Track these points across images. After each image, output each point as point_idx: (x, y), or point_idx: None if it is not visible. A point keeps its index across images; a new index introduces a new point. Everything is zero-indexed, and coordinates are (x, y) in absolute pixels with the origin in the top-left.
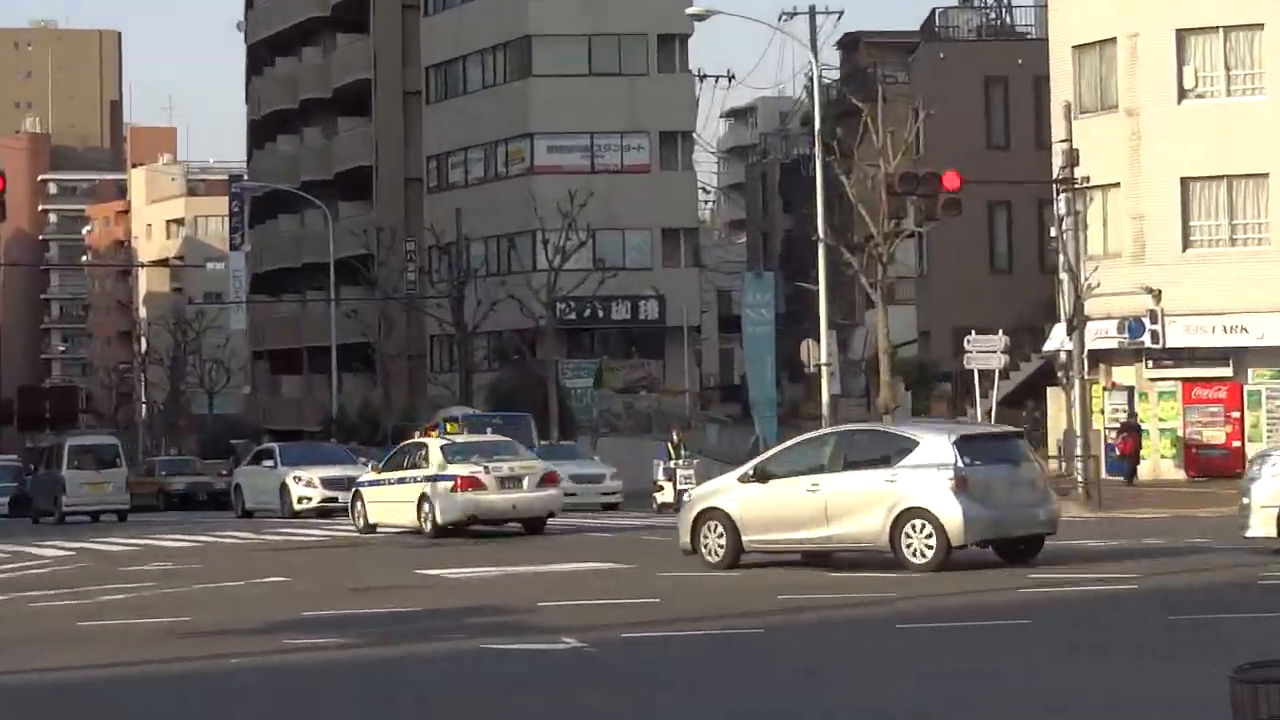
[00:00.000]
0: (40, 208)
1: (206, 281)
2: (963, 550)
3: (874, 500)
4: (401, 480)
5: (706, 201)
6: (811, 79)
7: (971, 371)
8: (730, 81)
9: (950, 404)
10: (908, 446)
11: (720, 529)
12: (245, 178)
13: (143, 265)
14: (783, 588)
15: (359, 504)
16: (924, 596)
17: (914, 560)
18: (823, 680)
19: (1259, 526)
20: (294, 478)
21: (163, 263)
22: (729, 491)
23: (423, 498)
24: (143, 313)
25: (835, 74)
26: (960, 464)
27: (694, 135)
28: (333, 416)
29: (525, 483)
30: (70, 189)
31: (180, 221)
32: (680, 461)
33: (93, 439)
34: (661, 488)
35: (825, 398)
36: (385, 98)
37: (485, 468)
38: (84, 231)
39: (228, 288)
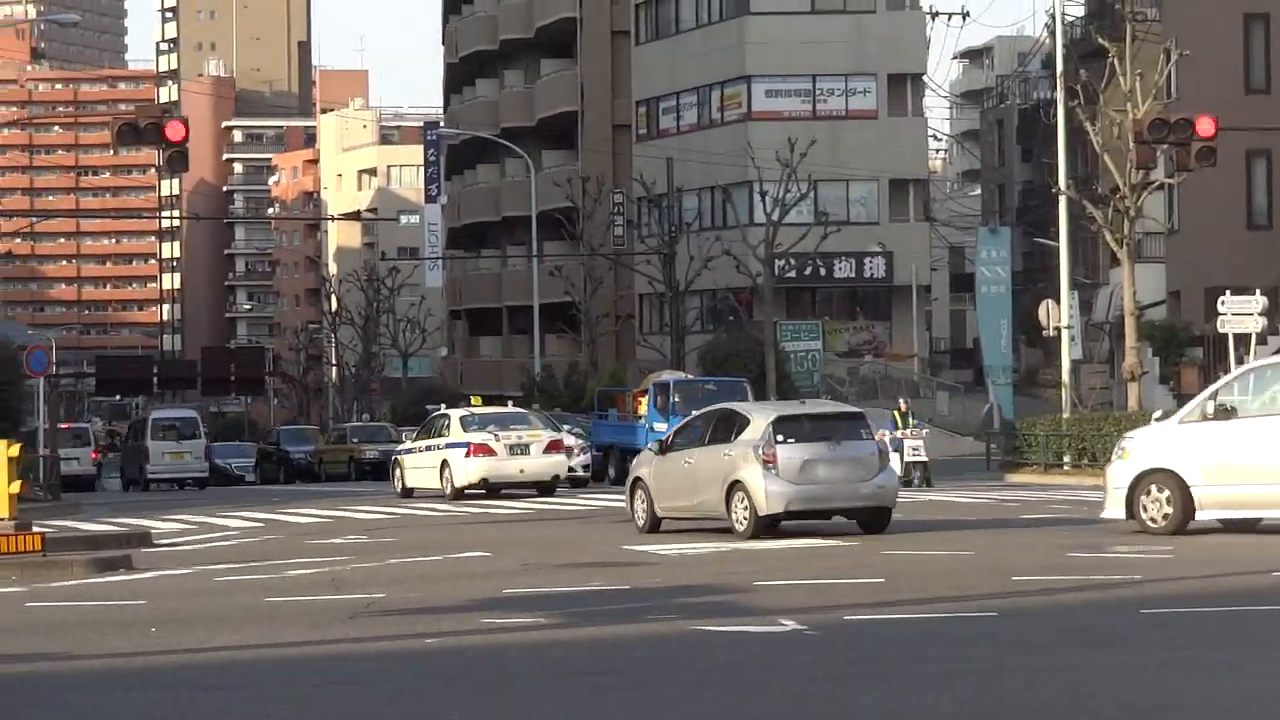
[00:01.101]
0: (225, 157)
1: (400, 236)
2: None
3: (716, 473)
4: (429, 448)
5: (938, 150)
6: (1054, 17)
7: (1225, 335)
8: (964, 19)
9: (1202, 370)
10: (744, 425)
11: (641, 495)
12: (441, 124)
13: (332, 218)
14: (1018, 569)
15: (398, 470)
16: (1174, 579)
17: (738, 527)
18: (1065, 669)
19: (1111, 508)
20: None
21: (354, 215)
22: (646, 463)
23: (444, 463)
24: (333, 269)
25: (1080, 11)
26: (772, 442)
27: (924, 78)
28: (535, 380)
29: (532, 449)
30: (256, 136)
31: (372, 171)
32: (908, 431)
33: (175, 413)
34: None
35: (1065, 363)
36: (591, 38)
37: (496, 436)
38: (270, 182)
39: (423, 242)
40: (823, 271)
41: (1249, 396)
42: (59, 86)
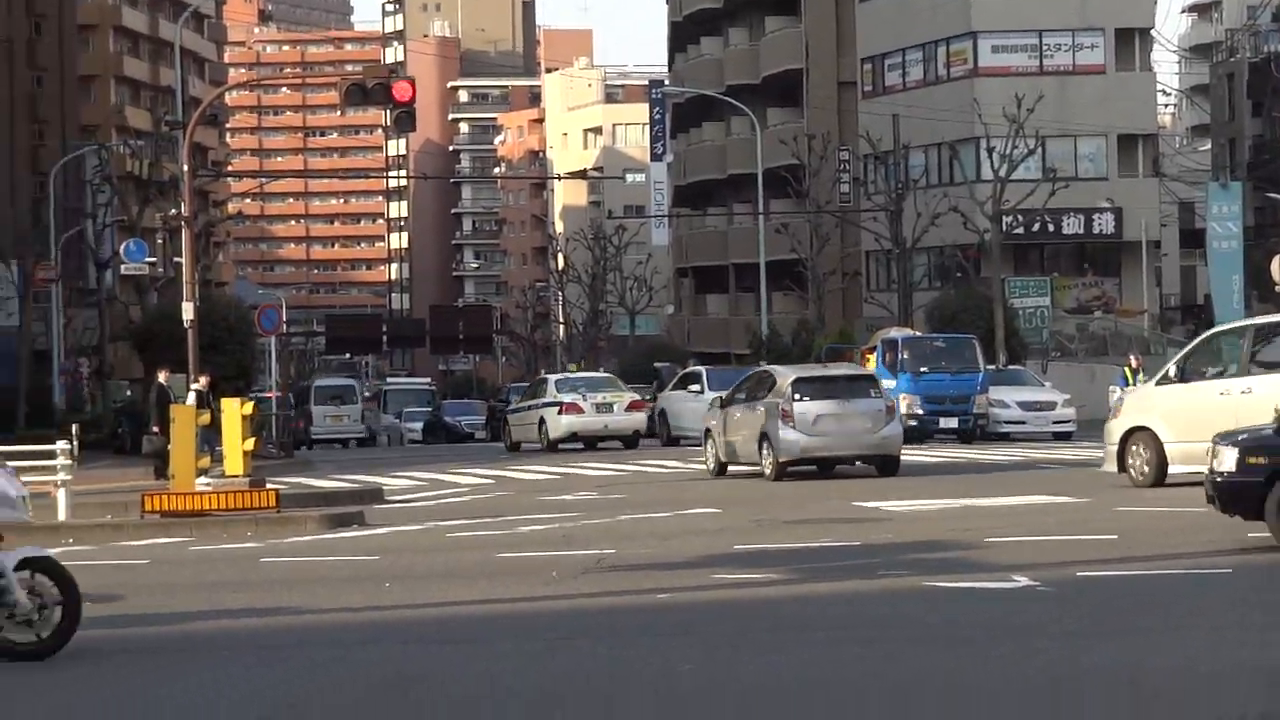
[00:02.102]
0: (450, 117)
1: (626, 194)
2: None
3: (751, 425)
4: (530, 407)
5: (1167, 105)
6: None
7: None
8: None
9: None
10: (774, 384)
11: (711, 444)
12: (666, 83)
13: (558, 177)
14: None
15: (507, 426)
16: None
17: (765, 472)
18: None
19: (1108, 464)
20: None
21: (579, 174)
22: (714, 417)
23: (541, 420)
24: (559, 227)
25: None
26: (791, 399)
27: (1153, 32)
28: (762, 338)
29: (615, 408)
30: (481, 96)
31: (597, 130)
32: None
33: (336, 381)
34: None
35: None
36: None
37: (584, 396)
38: (496, 141)
39: (648, 200)
40: (1051, 228)
41: (1211, 359)
42: (286, 48)
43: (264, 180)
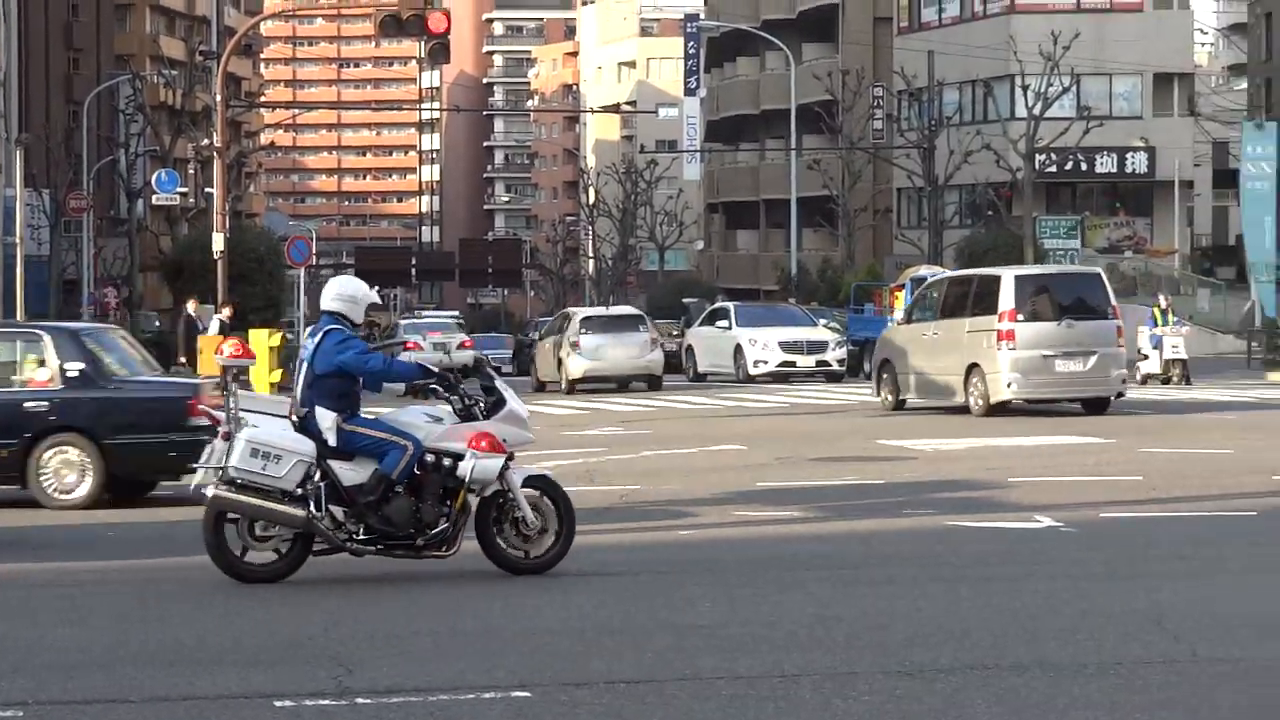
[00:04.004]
0: (485, 49)
1: (659, 129)
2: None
3: (553, 352)
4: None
5: (1203, 43)
6: None
7: None
8: None
9: None
10: (569, 321)
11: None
12: (701, 17)
13: (591, 111)
14: (1278, 466)
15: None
16: None
17: (561, 386)
18: None
19: (874, 392)
20: (750, 340)
21: (613, 108)
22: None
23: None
24: (591, 161)
25: None
26: (579, 333)
27: None
28: (791, 275)
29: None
30: (517, 29)
31: (631, 64)
32: (1168, 329)
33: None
34: (1146, 356)
35: None
36: None
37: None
38: (530, 75)
39: (681, 136)
40: (1084, 167)
41: (927, 306)
42: None
43: (297, 111)
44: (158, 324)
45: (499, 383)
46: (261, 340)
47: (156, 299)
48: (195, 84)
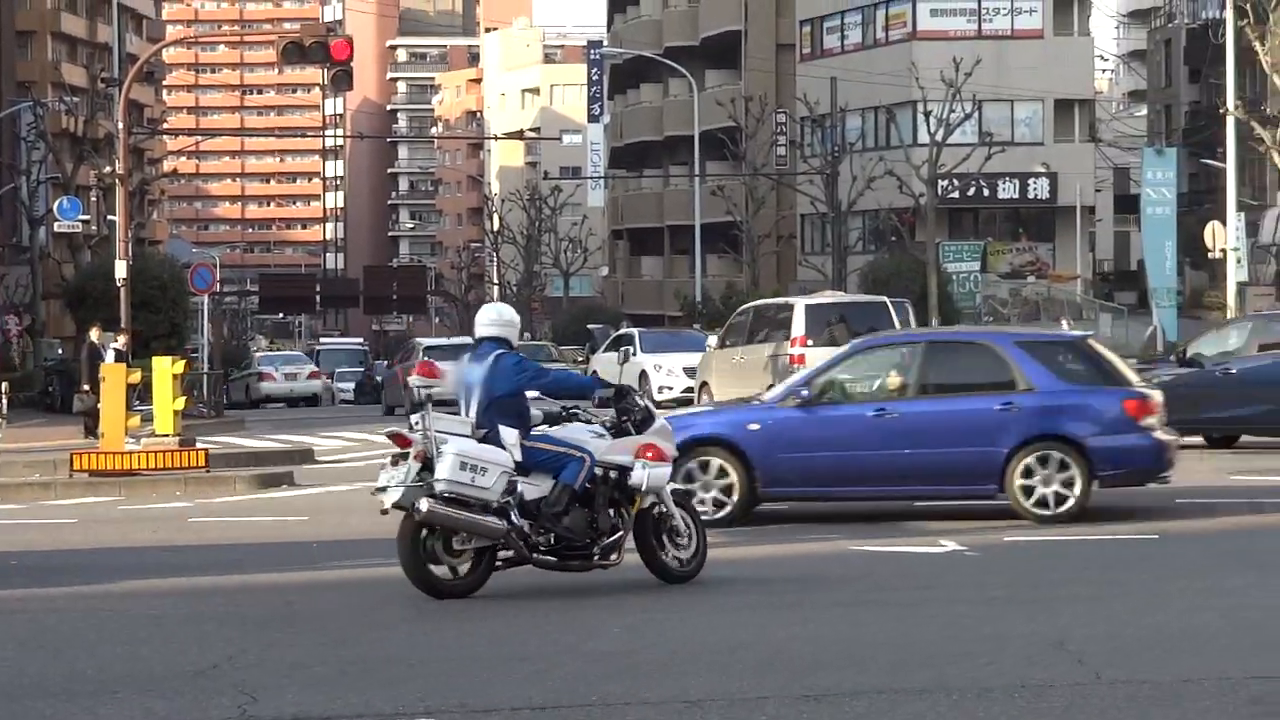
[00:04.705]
0: (389, 76)
1: (563, 155)
2: None
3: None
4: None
5: (1104, 70)
6: None
7: None
8: None
9: None
10: (413, 349)
11: None
12: (604, 43)
13: (495, 137)
14: (1180, 492)
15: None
16: None
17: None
18: (1226, 592)
19: None
20: (655, 366)
21: (517, 135)
22: None
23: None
24: (495, 188)
25: None
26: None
27: None
28: (696, 301)
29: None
30: (420, 55)
31: (535, 91)
32: None
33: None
34: None
35: (1230, 286)
36: None
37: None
38: (434, 101)
39: (585, 162)
40: (986, 192)
41: (737, 331)
42: (225, 5)
43: (200, 138)
44: (60, 352)
45: (645, 400)
46: (164, 368)
47: (60, 327)
48: (97, 111)
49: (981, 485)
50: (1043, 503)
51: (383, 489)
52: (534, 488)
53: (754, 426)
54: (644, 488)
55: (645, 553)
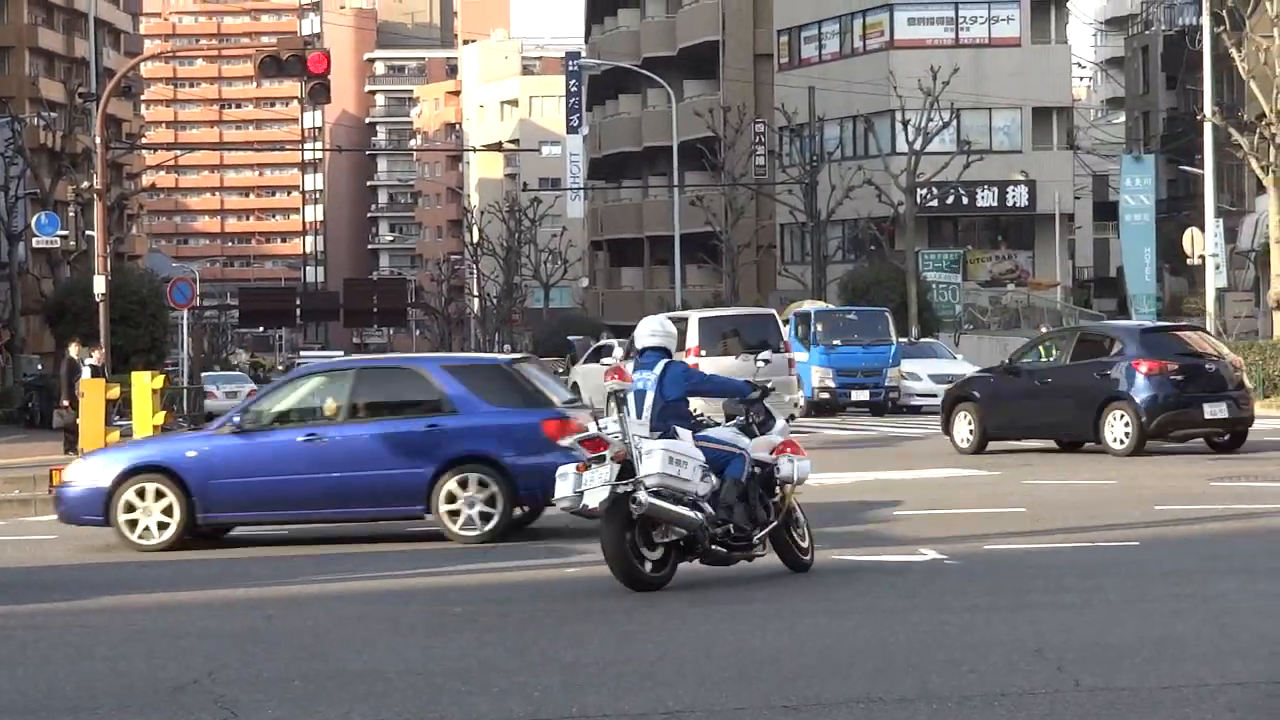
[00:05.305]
0: (367, 89)
1: (542, 167)
2: None
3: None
4: None
5: (1082, 77)
6: None
7: None
8: None
9: None
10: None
11: None
12: (583, 55)
13: (474, 150)
14: (1161, 498)
15: None
16: None
17: None
18: (1209, 598)
19: None
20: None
21: (495, 147)
22: None
23: None
24: (474, 200)
25: None
26: None
27: (1069, 4)
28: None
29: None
30: (398, 68)
31: (514, 103)
32: None
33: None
34: None
35: (1210, 292)
36: None
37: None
38: (412, 114)
39: (564, 173)
40: (965, 200)
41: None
42: (202, 19)
43: (179, 153)
44: (40, 368)
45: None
46: (143, 383)
47: (39, 342)
48: (75, 126)
49: (409, 507)
50: (469, 523)
51: (577, 493)
52: (706, 484)
53: (191, 454)
54: (795, 479)
55: (776, 544)
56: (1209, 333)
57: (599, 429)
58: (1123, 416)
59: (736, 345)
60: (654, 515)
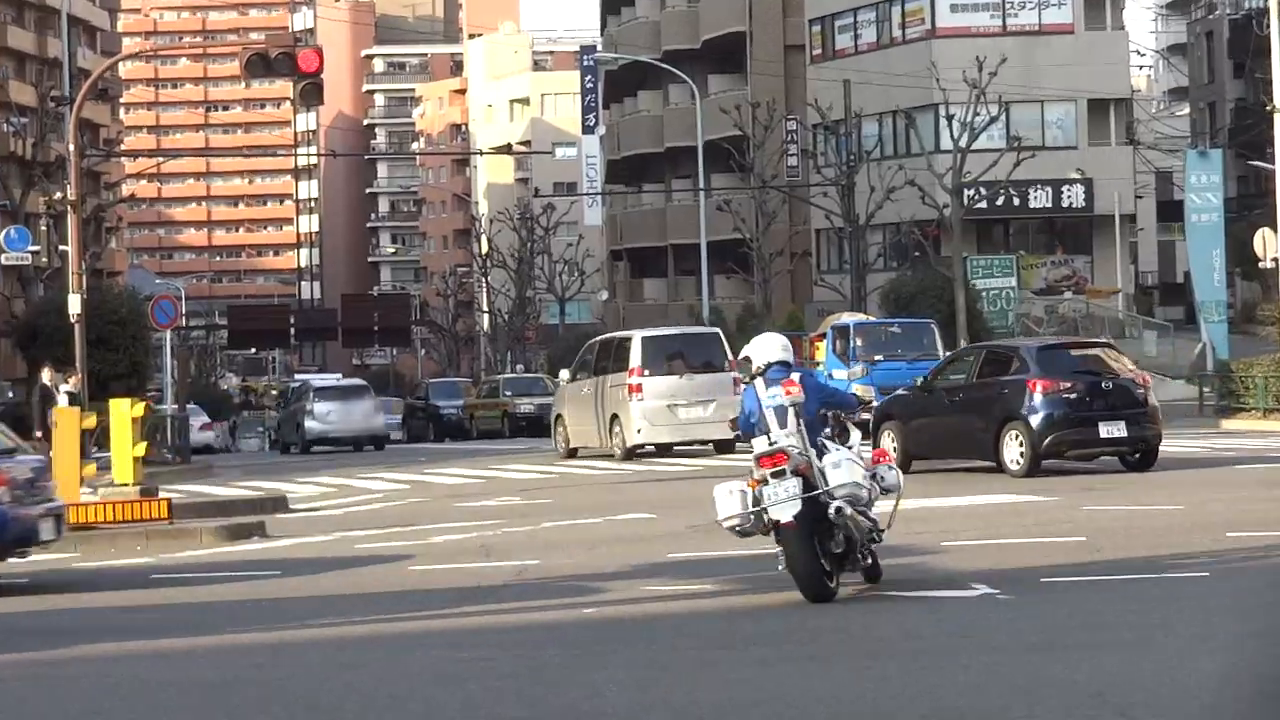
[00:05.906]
0: (365, 88)
1: (556, 170)
2: None
3: (292, 417)
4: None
5: (1141, 66)
6: None
7: None
8: None
9: None
10: (304, 391)
11: None
12: (598, 48)
13: (482, 152)
14: (1233, 525)
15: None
16: None
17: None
18: None
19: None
20: None
21: (505, 149)
22: None
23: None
24: (483, 207)
25: None
26: (312, 400)
27: None
28: (704, 324)
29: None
30: (398, 65)
31: (524, 101)
32: None
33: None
34: None
35: None
36: None
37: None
38: (414, 114)
39: (580, 177)
40: (1016, 201)
41: (585, 366)
42: (186, 15)
43: (161, 159)
44: (11, 394)
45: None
46: (122, 411)
47: (10, 368)
48: (48, 132)
49: None
50: None
51: (753, 511)
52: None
53: None
54: (900, 487)
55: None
56: (1116, 349)
57: (770, 444)
58: (1018, 437)
59: (680, 366)
60: (846, 524)
